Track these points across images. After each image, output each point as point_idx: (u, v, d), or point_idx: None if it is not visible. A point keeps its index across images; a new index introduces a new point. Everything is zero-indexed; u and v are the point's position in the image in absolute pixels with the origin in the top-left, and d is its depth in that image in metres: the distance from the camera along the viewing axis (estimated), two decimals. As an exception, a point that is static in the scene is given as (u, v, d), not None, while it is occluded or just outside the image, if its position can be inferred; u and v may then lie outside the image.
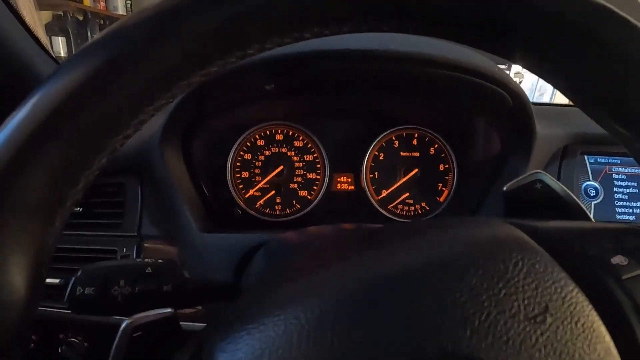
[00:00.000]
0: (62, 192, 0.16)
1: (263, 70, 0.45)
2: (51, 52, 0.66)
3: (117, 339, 0.23)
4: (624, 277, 0.19)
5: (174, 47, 0.16)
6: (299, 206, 0.63)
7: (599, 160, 0.63)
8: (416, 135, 0.64)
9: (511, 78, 0.47)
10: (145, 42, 0.15)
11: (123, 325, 0.23)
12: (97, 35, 0.16)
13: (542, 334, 0.16)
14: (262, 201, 0.62)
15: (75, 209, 0.55)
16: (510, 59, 0.21)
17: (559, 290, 0.17)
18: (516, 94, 0.48)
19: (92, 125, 0.15)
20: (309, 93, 0.57)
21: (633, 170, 0.63)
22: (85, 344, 0.52)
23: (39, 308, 0.53)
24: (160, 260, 0.32)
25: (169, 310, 0.25)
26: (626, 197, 0.62)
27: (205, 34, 0.16)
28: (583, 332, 0.16)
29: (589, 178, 0.62)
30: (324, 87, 0.56)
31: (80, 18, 2.40)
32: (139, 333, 0.24)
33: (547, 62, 0.20)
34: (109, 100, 0.16)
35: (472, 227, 0.21)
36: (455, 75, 0.46)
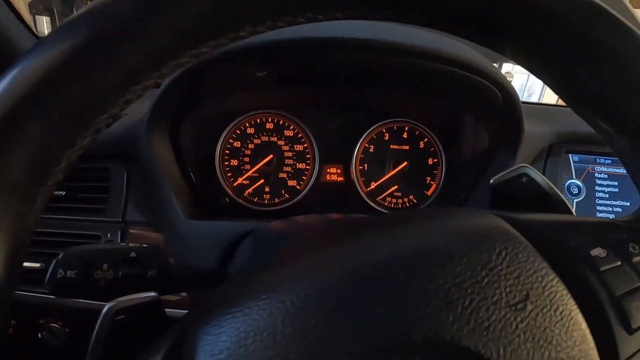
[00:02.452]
0: (43, 170, 0.15)
1: (255, 56, 0.44)
2: (35, 31, 0.64)
3: (98, 322, 0.23)
4: (602, 268, 0.20)
5: (164, 25, 0.15)
6: (287, 196, 0.62)
7: (583, 159, 0.64)
8: (407, 128, 0.64)
9: (503, 75, 0.48)
10: (134, 17, 0.15)
11: (105, 308, 0.23)
12: (84, 7, 0.16)
13: (522, 321, 0.16)
14: (250, 190, 0.61)
15: (58, 192, 0.54)
16: (502, 53, 0.22)
17: (539, 279, 0.18)
18: (507, 91, 0.49)
19: (76, 102, 0.15)
20: (301, 83, 0.57)
21: (615, 170, 0.65)
22: (66, 330, 0.51)
23: (19, 292, 0.52)
24: (145, 245, 0.32)
25: (153, 294, 0.25)
26: (607, 195, 0.64)
27: (198, 13, 0.16)
28: (561, 319, 0.17)
29: (572, 176, 0.64)
30: (316, 78, 0.55)
31: (66, -3, 2.32)
32: (122, 317, 0.23)
33: (536, 58, 0.20)
34: (94, 77, 0.15)
35: (458, 217, 0.21)
36: (447, 69, 0.46)
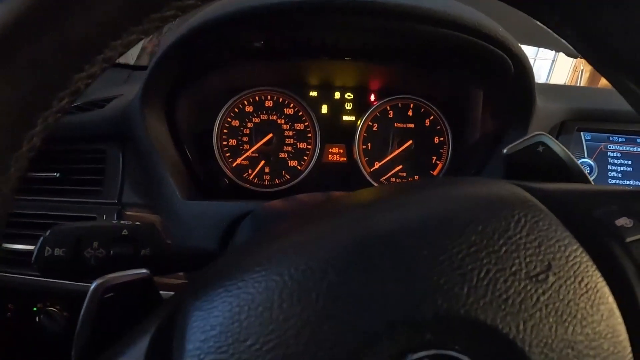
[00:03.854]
0: (15, 134, 0.14)
1: (250, 21, 0.41)
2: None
3: (86, 300, 0.22)
4: (628, 239, 0.18)
5: None
6: (288, 177, 0.61)
7: (595, 137, 0.62)
8: (411, 105, 0.62)
9: (515, 41, 0.45)
10: None
11: (93, 286, 0.22)
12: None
13: (543, 293, 0.15)
14: (250, 171, 0.60)
15: (52, 174, 0.53)
16: (521, 8, 0.20)
17: (562, 248, 0.16)
18: (519, 59, 0.46)
19: (48, 56, 0.13)
20: (300, 56, 0.54)
21: (628, 149, 0.62)
22: (65, 314, 0.51)
23: (14, 275, 0.50)
24: (137, 223, 0.30)
25: (144, 271, 0.23)
26: (620, 175, 0.62)
27: None
28: (586, 292, 0.16)
29: (584, 155, 0.61)
30: (316, 50, 0.53)
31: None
32: (111, 294, 0.22)
33: (558, 12, 0.18)
34: (67, 28, 0.13)
35: (472, 185, 0.20)
36: (455, 35, 0.43)
